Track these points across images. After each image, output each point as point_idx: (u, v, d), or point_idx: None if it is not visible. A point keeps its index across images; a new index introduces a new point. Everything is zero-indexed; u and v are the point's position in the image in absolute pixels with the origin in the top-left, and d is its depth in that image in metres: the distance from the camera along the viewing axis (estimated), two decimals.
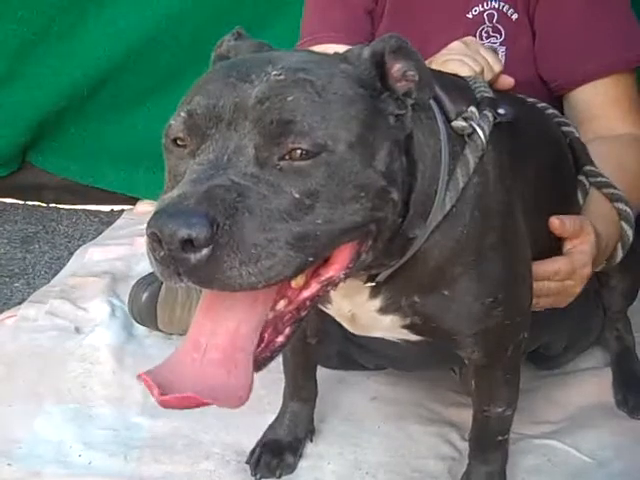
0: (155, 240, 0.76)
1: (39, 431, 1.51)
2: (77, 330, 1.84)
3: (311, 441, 1.50)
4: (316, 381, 1.49)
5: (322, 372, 1.56)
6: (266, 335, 0.87)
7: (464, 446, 1.41)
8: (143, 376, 0.81)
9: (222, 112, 0.84)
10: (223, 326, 0.84)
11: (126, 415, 1.57)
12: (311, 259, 0.83)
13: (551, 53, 1.57)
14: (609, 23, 1.55)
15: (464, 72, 1.25)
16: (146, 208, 2.57)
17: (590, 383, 1.65)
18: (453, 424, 1.55)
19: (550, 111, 1.42)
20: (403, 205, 0.94)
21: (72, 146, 2.65)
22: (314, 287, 0.89)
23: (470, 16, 1.59)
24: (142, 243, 2.10)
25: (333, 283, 0.91)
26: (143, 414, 1.56)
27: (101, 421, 1.55)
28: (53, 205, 2.72)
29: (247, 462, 1.44)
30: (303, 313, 0.90)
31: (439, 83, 1.03)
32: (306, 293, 0.89)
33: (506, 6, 1.58)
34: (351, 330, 1.22)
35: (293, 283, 0.87)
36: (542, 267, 1.19)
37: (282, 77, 0.85)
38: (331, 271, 0.89)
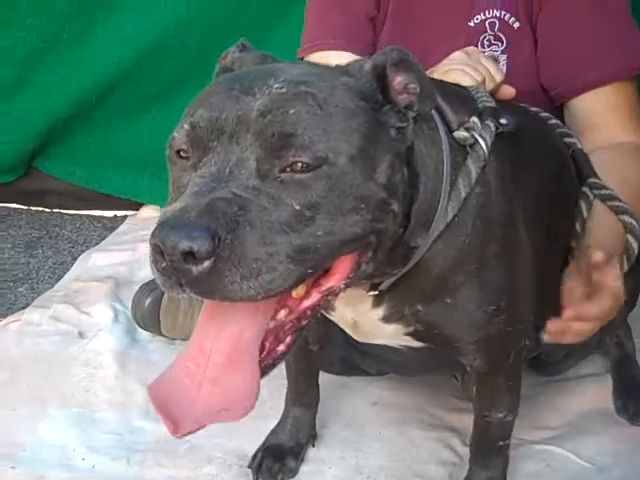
0: (157, 252, 0.77)
1: (43, 435, 1.52)
2: (80, 335, 1.84)
3: (313, 446, 1.50)
4: (318, 387, 1.50)
5: (324, 377, 1.56)
6: (267, 344, 0.88)
7: (465, 451, 1.41)
8: (157, 411, 0.84)
9: (224, 125, 0.84)
10: (227, 331, 0.85)
11: (129, 419, 1.58)
12: (311, 271, 0.84)
13: (553, 61, 1.57)
14: (611, 31, 1.55)
15: (466, 82, 1.25)
16: (149, 214, 2.59)
17: (591, 389, 1.65)
18: (454, 429, 1.55)
19: (553, 121, 1.41)
20: (404, 216, 0.94)
21: (78, 152, 2.66)
22: (315, 297, 0.90)
23: (472, 24, 1.60)
24: (145, 249, 2.10)
25: (334, 293, 0.91)
26: (146, 418, 1.57)
27: (104, 425, 1.56)
28: (57, 210, 2.73)
29: (249, 466, 1.45)
30: (304, 322, 0.91)
31: (441, 93, 1.03)
32: (307, 303, 0.90)
33: (508, 14, 1.58)
34: (354, 337, 1.23)
35: (294, 293, 0.88)
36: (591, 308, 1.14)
37: (284, 90, 0.85)
38: (332, 281, 0.90)
